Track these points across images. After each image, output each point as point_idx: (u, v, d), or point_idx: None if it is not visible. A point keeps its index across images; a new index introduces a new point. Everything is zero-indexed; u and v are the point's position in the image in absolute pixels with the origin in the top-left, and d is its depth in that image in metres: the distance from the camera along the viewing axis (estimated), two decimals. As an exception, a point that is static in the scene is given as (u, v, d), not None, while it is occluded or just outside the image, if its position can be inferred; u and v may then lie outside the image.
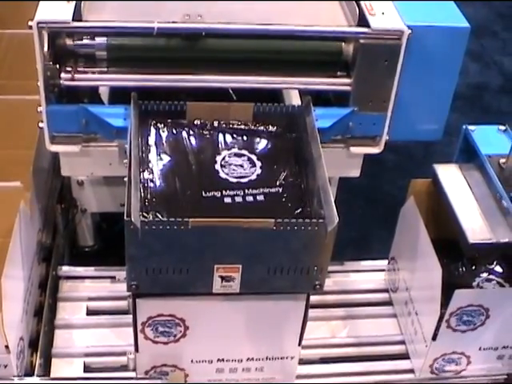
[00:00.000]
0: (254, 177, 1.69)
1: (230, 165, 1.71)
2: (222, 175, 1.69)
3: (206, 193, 1.64)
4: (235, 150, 1.75)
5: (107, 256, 2.31)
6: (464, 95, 3.66)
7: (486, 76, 3.94)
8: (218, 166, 1.71)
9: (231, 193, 1.65)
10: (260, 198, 1.65)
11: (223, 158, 1.73)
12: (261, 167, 1.72)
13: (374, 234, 2.85)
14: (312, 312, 1.89)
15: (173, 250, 1.56)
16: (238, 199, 1.64)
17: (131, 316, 1.77)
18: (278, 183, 1.69)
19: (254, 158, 1.74)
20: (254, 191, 1.66)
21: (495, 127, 2.06)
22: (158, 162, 1.70)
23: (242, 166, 1.72)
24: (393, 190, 2.96)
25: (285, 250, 1.59)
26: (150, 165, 1.69)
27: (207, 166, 1.71)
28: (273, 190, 1.67)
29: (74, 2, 1.76)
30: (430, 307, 1.90)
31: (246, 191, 1.65)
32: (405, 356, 2.09)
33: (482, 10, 4.46)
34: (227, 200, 1.63)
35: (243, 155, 1.75)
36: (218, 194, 1.64)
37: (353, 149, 2.00)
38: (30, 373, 1.87)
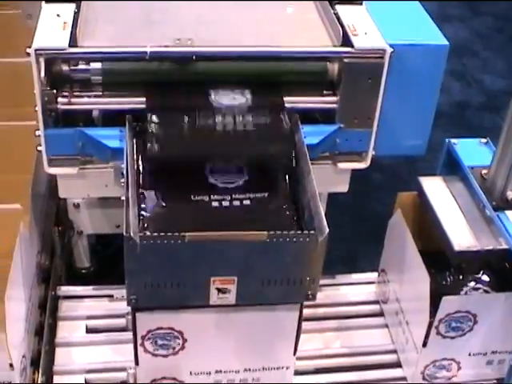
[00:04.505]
0: (241, 183, 1.77)
1: (219, 171, 1.79)
2: (211, 181, 1.77)
3: (194, 197, 1.72)
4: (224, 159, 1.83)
5: (103, 277, 2.36)
6: (447, 113, 3.74)
7: (468, 94, 4.03)
8: (206, 172, 1.79)
9: (219, 197, 1.73)
10: (246, 202, 1.74)
11: (212, 165, 1.81)
12: (248, 174, 1.80)
13: (364, 251, 2.90)
14: (305, 325, 1.94)
15: (171, 264, 1.62)
16: (225, 203, 1.73)
17: (129, 333, 1.83)
18: (264, 189, 1.77)
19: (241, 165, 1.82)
20: (241, 196, 1.74)
21: (477, 140, 2.13)
22: (151, 178, 1.76)
23: (229, 172, 1.80)
24: (381, 207, 3.02)
25: (278, 261, 1.65)
26: (145, 181, 1.75)
27: (197, 173, 1.79)
28: (259, 195, 1.75)
29: (70, 29, 1.83)
30: (419, 316, 1.96)
31: (233, 196, 1.74)
32: (397, 364, 2.15)
33: (463, 31, 4.56)
34: (215, 204, 1.72)
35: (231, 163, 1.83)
36: (206, 199, 1.72)
37: (340, 164, 2.06)
38: (32, 390, 1.93)
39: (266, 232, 1.60)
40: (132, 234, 1.55)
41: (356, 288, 2.37)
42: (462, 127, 3.70)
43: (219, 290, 1.68)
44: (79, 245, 2.40)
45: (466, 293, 2.02)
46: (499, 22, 4.71)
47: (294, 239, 1.61)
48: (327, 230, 1.59)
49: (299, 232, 1.62)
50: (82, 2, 2.00)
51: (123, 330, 2.12)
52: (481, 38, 4.52)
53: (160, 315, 1.75)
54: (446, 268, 2.03)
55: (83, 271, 2.48)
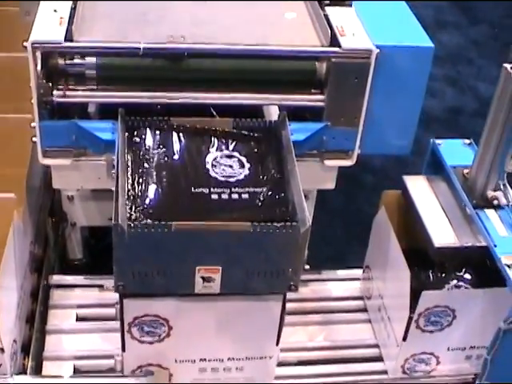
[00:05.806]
0: (241, 177, 1.81)
1: (221, 165, 1.83)
2: (212, 174, 1.80)
3: (195, 189, 1.76)
4: (226, 152, 1.87)
5: (95, 269, 2.40)
6: (440, 118, 3.79)
7: (462, 100, 4.08)
8: (209, 166, 1.82)
9: (218, 190, 1.76)
10: (245, 196, 1.76)
11: (214, 159, 1.84)
12: (249, 169, 1.83)
13: (353, 250, 2.94)
14: (290, 318, 1.99)
15: (157, 252, 1.67)
16: (224, 196, 1.75)
17: (118, 322, 1.87)
18: (262, 183, 1.80)
19: (243, 160, 1.86)
20: (240, 190, 1.77)
21: (460, 141, 2.20)
22: (145, 167, 1.80)
23: (231, 166, 1.83)
24: (371, 207, 3.05)
25: (261, 252, 1.70)
26: (138, 170, 1.79)
27: (198, 166, 1.82)
28: (258, 189, 1.78)
29: (66, 25, 1.88)
30: (400, 311, 2.01)
31: (233, 189, 1.77)
32: (378, 358, 2.20)
33: (458, 38, 4.61)
34: (214, 196, 1.75)
35: (233, 156, 1.86)
36: (206, 191, 1.76)
37: (327, 162, 2.11)
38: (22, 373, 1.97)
39: (249, 223, 1.65)
40: (120, 222, 1.60)
41: (341, 284, 2.42)
42: (455, 132, 3.73)
43: (204, 279, 1.73)
44: (72, 237, 2.44)
45: (447, 290, 2.06)
46: (494, 29, 4.76)
47: (277, 230, 1.66)
48: (309, 222, 1.65)
49: (282, 224, 1.67)
50: (79, -2, 2.06)
51: (112, 319, 2.16)
52: (476, 46, 4.57)
53: (146, 302, 1.80)
54: (429, 266, 2.08)
55: (76, 263, 2.51)
